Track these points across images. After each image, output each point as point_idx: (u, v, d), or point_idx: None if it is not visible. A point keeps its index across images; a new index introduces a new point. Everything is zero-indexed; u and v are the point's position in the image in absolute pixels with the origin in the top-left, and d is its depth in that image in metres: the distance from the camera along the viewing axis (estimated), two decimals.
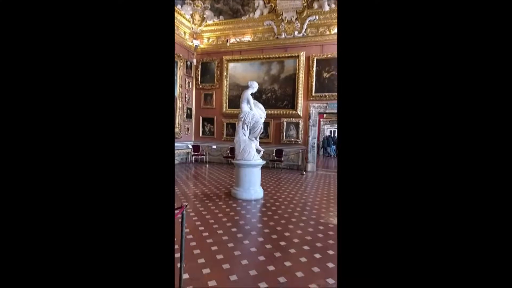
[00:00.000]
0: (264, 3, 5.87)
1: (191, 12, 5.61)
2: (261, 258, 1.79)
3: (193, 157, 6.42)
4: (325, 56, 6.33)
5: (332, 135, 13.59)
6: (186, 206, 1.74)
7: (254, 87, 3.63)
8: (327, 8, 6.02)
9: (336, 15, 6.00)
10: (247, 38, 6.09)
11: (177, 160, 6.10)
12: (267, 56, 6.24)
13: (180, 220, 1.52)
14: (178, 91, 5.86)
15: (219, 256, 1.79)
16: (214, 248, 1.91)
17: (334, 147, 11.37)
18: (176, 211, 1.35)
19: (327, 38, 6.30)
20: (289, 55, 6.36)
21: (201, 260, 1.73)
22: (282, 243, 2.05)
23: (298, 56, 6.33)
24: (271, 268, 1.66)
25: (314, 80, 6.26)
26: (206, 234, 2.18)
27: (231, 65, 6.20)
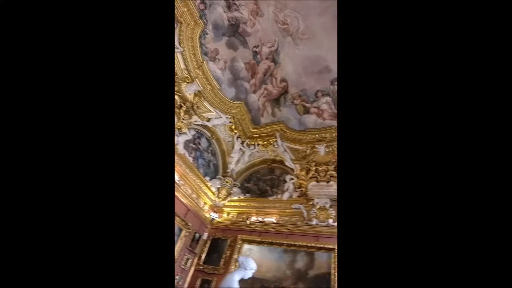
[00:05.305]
0: (295, 187, 5.62)
1: (218, 186, 5.75)
2: None
3: None
4: None
5: None
6: None
7: (249, 268, 2.23)
8: None
9: None
10: (271, 219, 5.46)
11: None
12: (293, 243, 5.16)
13: None
14: None
15: None
16: None
17: None
18: None
19: None
20: (322, 246, 5.10)
21: None
22: None
23: (333, 250, 4.98)
24: None
25: None
26: None
27: (246, 246, 5.26)
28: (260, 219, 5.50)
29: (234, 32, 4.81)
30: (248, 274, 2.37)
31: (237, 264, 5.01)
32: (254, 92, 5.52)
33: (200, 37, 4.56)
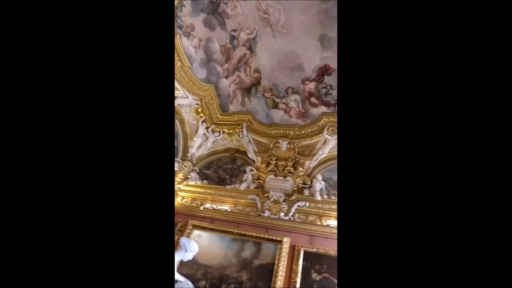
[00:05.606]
0: (253, 178, 5.66)
1: (176, 169, 5.53)
2: None
3: None
4: (315, 249, 5.03)
5: None
6: None
7: (190, 250, 2.15)
8: (319, 197, 5.46)
9: (329, 206, 5.30)
10: (225, 207, 5.45)
11: None
12: (243, 232, 5.23)
13: None
14: None
15: None
16: None
17: None
18: None
19: (318, 229, 5.26)
20: (270, 237, 5.24)
21: None
22: None
23: (280, 242, 5.14)
24: None
25: (299, 280, 4.64)
26: None
27: (196, 232, 5.20)
28: (214, 206, 5.45)
29: (214, 10, 4.59)
30: (188, 256, 2.31)
31: None
32: (226, 77, 5.38)
33: (176, 7, 4.25)
